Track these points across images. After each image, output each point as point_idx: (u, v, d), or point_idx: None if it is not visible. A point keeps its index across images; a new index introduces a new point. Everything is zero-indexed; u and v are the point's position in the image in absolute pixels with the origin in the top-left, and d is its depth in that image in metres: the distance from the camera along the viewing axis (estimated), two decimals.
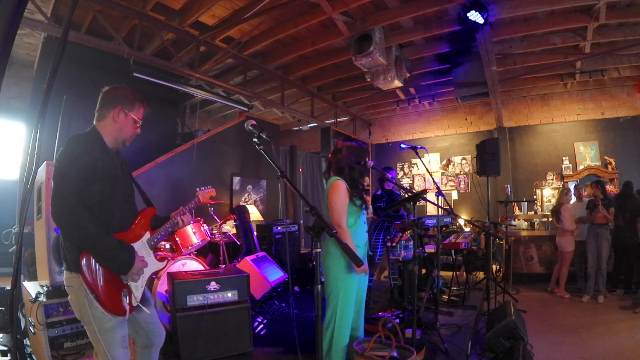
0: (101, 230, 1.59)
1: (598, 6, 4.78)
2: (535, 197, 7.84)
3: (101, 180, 1.65)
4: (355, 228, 2.33)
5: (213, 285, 2.89)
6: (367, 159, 2.43)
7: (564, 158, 7.84)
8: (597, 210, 5.08)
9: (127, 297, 1.68)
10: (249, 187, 6.81)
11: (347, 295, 2.24)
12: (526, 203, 7.64)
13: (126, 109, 1.78)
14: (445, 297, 4.50)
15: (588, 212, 5.23)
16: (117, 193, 1.75)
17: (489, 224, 5.03)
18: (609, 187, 6.36)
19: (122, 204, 1.78)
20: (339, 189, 2.26)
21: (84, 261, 1.59)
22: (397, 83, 5.98)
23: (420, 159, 3.89)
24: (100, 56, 5.20)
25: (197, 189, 2.16)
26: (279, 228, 5.18)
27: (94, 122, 1.78)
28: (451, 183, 8.98)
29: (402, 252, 3.82)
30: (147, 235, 1.86)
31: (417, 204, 2.76)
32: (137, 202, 1.96)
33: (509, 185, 7.86)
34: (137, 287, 1.75)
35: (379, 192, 4.56)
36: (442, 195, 3.53)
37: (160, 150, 5.38)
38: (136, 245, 1.78)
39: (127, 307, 1.66)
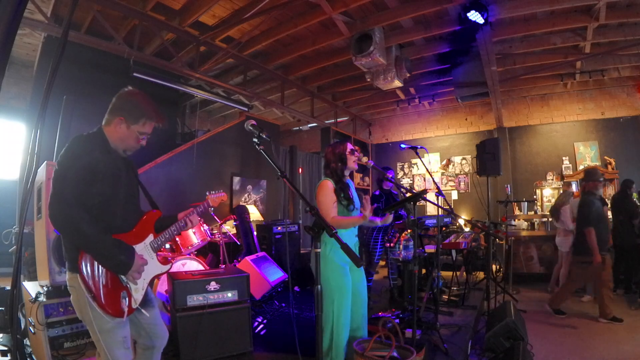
0: (97, 231, 1.58)
1: (598, 6, 4.78)
2: (535, 197, 7.84)
3: (101, 181, 1.64)
4: (341, 230, 2.34)
5: (213, 285, 2.89)
6: (344, 157, 2.45)
7: (564, 158, 7.84)
8: None
9: (127, 299, 1.66)
10: (249, 187, 6.81)
11: (342, 296, 2.25)
12: (526, 203, 7.64)
13: (129, 121, 1.72)
14: (445, 297, 4.50)
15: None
16: (119, 194, 1.73)
17: (489, 224, 5.03)
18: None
19: (125, 205, 1.77)
20: (325, 187, 2.36)
21: (82, 261, 1.59)
22: (397, 83, 5.98)
23: (420, 159, 3.89)
24: (100, 56, 5.20)
25: (207, 193, 2.11)
26: (279, 228, 5.19)
27: (102, 123, 1.76)
28: (451, 183, 8.98)
29: (402, 252, 3.82)
30: (151, 237, 1.84)
31: (417, 204, 2.76)
32: (143, 204, 1.95)
33: (509, 185, 7.87)
34: (137, 290, 1.73)
35: (377, 192, 4.56)
36: (442, 195, 3.54)
37: (160, 150, 5.38)
38: (138, 247, 1.77)
39: (126, 309, 1.65)
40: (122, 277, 1.68)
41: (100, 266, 1.62)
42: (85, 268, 1.59)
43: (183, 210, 1.97)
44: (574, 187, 7.24)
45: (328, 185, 2.37)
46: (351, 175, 2.60)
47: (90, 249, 1.59)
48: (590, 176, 4.57)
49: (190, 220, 1.92)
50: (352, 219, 2.34)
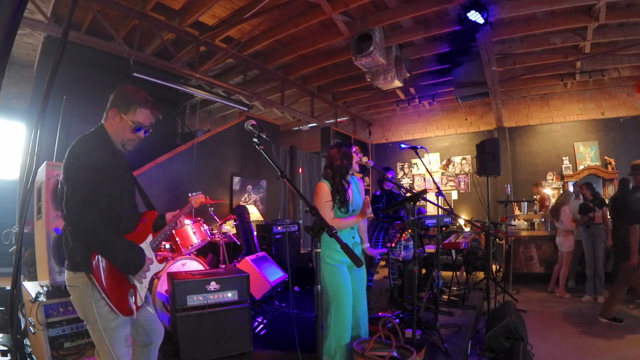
0: (112, 233, 1.62)
1: (598, 6, 4.78)
2: (535, 197, 7.84)
3: (109, 182, 1.66)
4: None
5: (213, 285, 2.89)
6: (350, 155, 2.45)
7: (564, 158, 7.84)
8: (593, 213, 5.07)
9: (134, 297, 1.71)
10: (249, 187, 6.81)
11: (340, 297, 2.25)
12: (526, 203, 7.64)
13: (121, 111, 1.72)
14: (445, 297, 4.50)
15: (581, 216, 5.24)
16: (124, 194, 1.76)
17: (489, 224, 5.03)
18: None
19: (128, 205, 1.80)
20: (320, 190, 2.38)
21: (95, 262, 1.61)
22: (397, 83, 5.98)
23: (420, 159, 3.89)
24: (100, 56, 5.20)
25: (190, 195, 2.20)
26: (279, 228, 5.19)
27: (102, 121, 1.77)
28: (451, 183, 8.98)
29: (402, 252, 3.81)
30: (150, 237, 1.88)
31: (417, 203, 2.76)
32: (138, 203, 1.96)
33: (509, 185, 7.86)
34: (142, 288, 1.78)
35: (378, 193, 4.55)
36: (442, 195, 3.54)
37: (160, 150, 5.38)
38: (142, 247, 1.80)
39: (134, 307, 1.70)
40: (130, 276, 1.71)
41: (110, 266, 1.64)
42: (98, 269, 1.61)
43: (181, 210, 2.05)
44: (572, 187, 7.23)
45: (323, 187, 2.38)
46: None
47: (105, 250, 1.61)
48: (638, 169, 4.31)
49: (180, 221, 2.04)
50: (349, 220, 2.35)
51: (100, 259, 1.61)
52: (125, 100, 1.74)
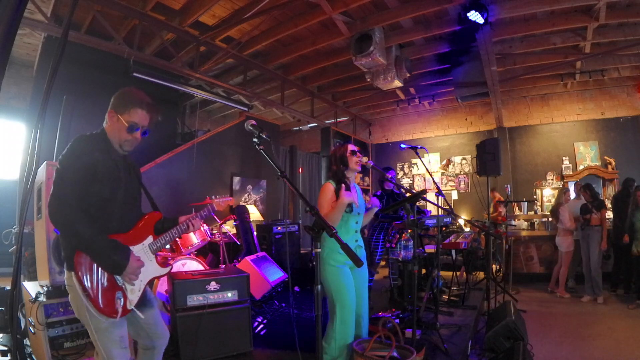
0: (95, 232, 1.58)
1: (598, 6, 4.78)
2: (535, 197, 7.84)
3: (100, 182, 1.64)
4: (340, 232, 2.33)
5: (213, 285, 2.89)
6: (344, 158, 2.47)
7: (564, 158, 7.84)
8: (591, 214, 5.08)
9: (121, 300, 1.65)
10: (249, 187, 6.81)
11: (343, 297, 2.25)
12: (526, 203, 7.65)
13: (118, 112, 1.72)
14: (445, 297, 4.50)
15: (581, 217, 5.25)
16: (117, 195, 1.72)
17: (489, 224, 5.03)
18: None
19: (123, 206, 1.75)
20: (325, 188, 2.40)
21: (77, 260, 1.59)
22: (397, 83, 5.98)
23: (420, 159, 3.89)
24: (100, 56, 5.20)
25: (213, 197, 2.07)
26: (279, 228, 5.19)
27: (103, 124, 1.78)
28: (451, 183, 8.98)
29: (402, 252, 3.81)
30: (150, 239, 1.82)
31: (417, 203, 2.76)
32: (145, 206, 1.94)
33: (509, 185, 7.87)
34: (134, 291, 1.71)
35: (378, 193, 4.55)
36: (442, 195, 3.54)
37: (160, 150, 5.39)
38: (136, 248, 1.75)
39: (120, 310, 1.63)
40: (118, 277, 1.66)
41: (96, 266, 1.62)
42: (81, 267, 1.59)
43: (183, 210, 1.99)
44: (572, 187, 7.24)
45: (328, 186, 2.40)
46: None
47: (86, 249, 1.59)
48: None
49: (193, 224, 1.90)
50: (337, 205, 2.27)
51: (84, 258, 1.59)
52: (121, 102, 1.74)
